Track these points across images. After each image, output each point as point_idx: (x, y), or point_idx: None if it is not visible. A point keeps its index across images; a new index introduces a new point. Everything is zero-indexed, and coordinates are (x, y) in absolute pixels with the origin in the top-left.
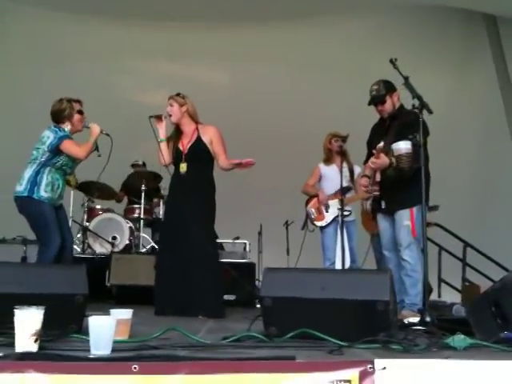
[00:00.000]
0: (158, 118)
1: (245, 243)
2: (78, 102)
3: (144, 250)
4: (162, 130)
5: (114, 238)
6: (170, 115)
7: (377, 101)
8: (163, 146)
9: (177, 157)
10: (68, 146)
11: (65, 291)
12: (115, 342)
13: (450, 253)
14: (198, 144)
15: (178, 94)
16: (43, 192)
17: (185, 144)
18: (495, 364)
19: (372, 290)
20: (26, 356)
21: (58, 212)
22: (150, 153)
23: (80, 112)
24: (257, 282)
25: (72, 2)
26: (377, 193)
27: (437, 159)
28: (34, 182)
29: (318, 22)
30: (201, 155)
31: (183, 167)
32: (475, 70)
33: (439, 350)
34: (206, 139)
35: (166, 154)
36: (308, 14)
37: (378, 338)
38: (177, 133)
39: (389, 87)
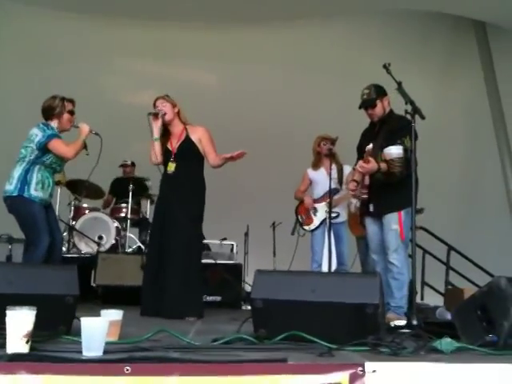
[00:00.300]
0: (156, 115)
1: (232, 244)
2: (71, 101)
3: (130, 250)
4: (157, 129)
5: (100, 237)
6: (165, 113)
7: (367, 104)
8: (157, 144)
9: (166, 157)
10: (56, 145)
11: (55, 292)
12: (106, 343)
13: (435, 256)
14: (187, 143)
15: (167, 96)
16: (33, 191)
17: (173, 144)
18: (482, 367)
19: (362, 293)
20: (17, 357)
21: (48, 211)
22: (138, 153)
23: (71, 112)
24: (243, 284)
25: (60, 0)
26: (365, 196)
27: (422, 163)
28: (25, 181)
29: (309, 24)
30: (189, 154)
31: (171, 166)
32: (462, 75)
33: (427, 354)
34: (194, 138)
35: (158, 153)
36: (298, 16)
37: (366, 341)
38: (165, 133)
39: (380, 91)
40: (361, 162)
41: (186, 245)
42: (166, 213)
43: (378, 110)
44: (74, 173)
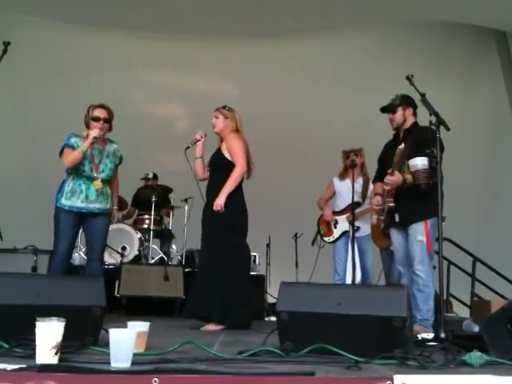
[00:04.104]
0: (196, 142)
1: (254, 255)
2: (99, 106)
3: (153, 261)
4: (199, 149)
5: (124, 248)
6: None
7: (388, 109)
8: (198, 163)
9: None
10: (63, 154)
11: (82, 303)
12: (134, 354)
13: (460, 268)
14: (217, 153)
15: (224, 107)
16: (64, 200)
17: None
18: None
19: (389, 306)
20: (47, 368)
21: (93, 221)
22: (160, 164)
23: (95, 118)
24: (265, 295)
25: (81, 14)
26: (392, 204)
27: (445, 172)
28: (59, 191)
29: (327, 36)
30: (218, 164)
31: (207, 177)
32: (484, 85)
33: (456, 367)
34: (224, 147)
35: (199, 171)
36: (317, 27)
37: (394, 354)
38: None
39: (404, 101)
40: (387, 176)
41: (212, 257)
42: (202, 222)
43: (398, 116)
44: None
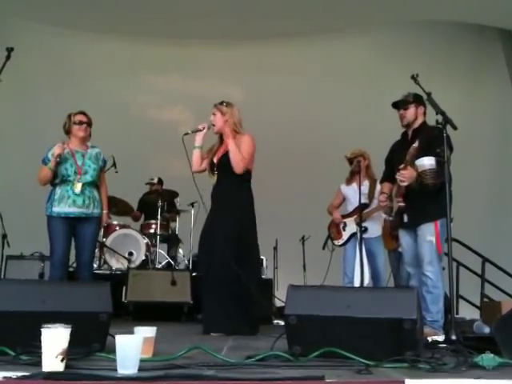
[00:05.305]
0: (196, 131)
1: (262, 259)
2: (80, 113)
3: (160, 266)
4: (199, 138)
5: (131, 253)
6: (214, 125)
7: (400, 104)
8: (196, 152)
9: (211, 168)
10: (39, 170)
11: (89, 309)
12: (141, 360)
13: (469, 269)
14: (228, 154)
15: (221, 103)
16: (53, 207)
17: (219, 155)
18: None
19: (399, 308)
20: (53, 375)
21: (81, 227)
22: (166, 169)
23: (78, 122)
24: (273, 299)
25: (86, 20)
26: (402, 204)
27: (452, 172)
28: (48, 200)
29: (333, 37)
30: (230, 165)
31: (213, 179)
32: (489, 83)
33: (468, 370)
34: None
35: (195, 162)
36: (322, 29)
37: (405, 358)
38: (219, 143)
39: (417, 99)
40: (401, 171)
41: (224, 263)
42: (210, 227)
43: (410, 113)
44: None
